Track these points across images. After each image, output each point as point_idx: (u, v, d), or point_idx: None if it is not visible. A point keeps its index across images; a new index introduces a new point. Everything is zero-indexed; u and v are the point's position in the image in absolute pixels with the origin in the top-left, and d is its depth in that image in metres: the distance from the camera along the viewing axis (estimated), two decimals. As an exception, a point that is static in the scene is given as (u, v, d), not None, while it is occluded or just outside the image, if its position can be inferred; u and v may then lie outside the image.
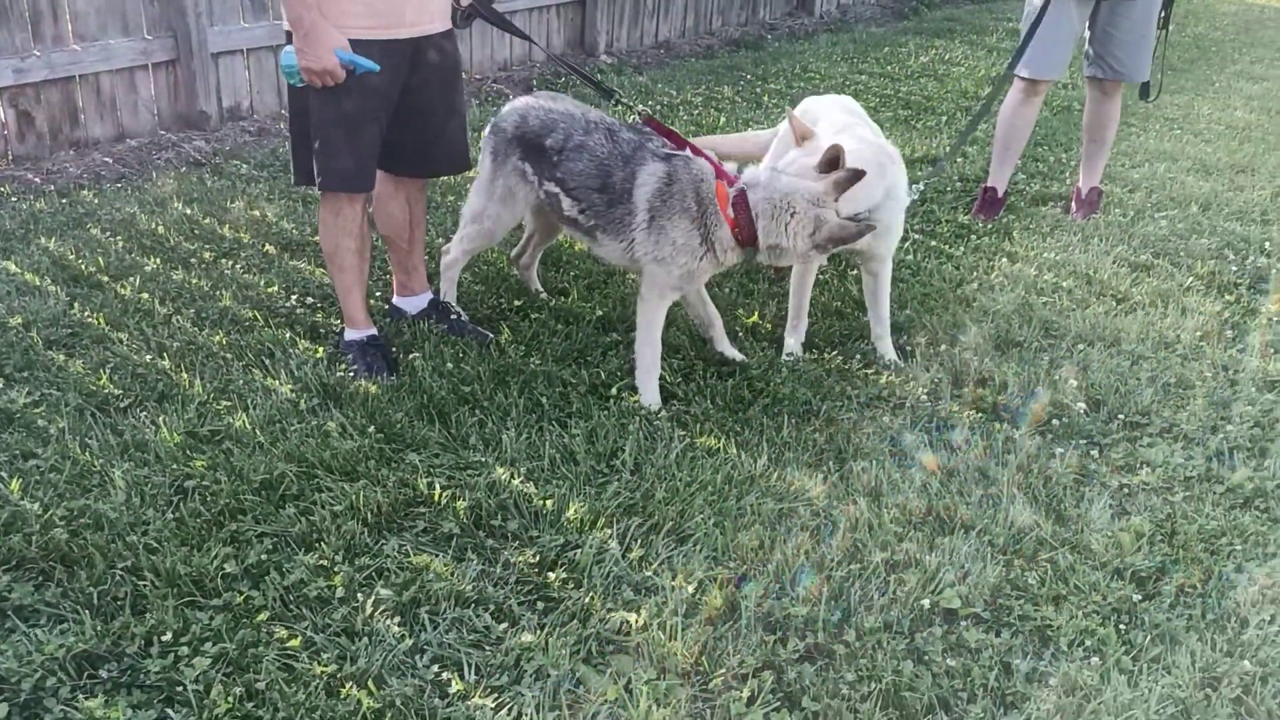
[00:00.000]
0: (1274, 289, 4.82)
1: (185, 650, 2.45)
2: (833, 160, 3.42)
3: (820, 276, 4.60)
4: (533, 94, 3.98)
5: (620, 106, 3.83)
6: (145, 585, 2.62)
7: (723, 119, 7.17)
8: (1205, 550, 3.01)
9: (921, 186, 4.01)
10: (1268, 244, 5.38)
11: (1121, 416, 3.69)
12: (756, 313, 4.33)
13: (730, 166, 3.60)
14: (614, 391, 3.63)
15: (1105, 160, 5.86)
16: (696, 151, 3.61)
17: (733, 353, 3.95)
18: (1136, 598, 2.82)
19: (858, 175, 3.40)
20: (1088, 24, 5.33)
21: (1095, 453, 3.49)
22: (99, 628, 2.49)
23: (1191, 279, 4.91)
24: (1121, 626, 2.71)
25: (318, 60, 3.23)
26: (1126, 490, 3.31)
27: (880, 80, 8.78)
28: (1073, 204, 5.84)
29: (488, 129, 3.91)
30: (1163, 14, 5.31)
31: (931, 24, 11.85)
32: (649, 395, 3.62)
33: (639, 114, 3.73)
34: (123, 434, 3.23)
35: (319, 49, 3.22)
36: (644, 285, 3.63)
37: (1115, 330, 4.33)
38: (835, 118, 4.09)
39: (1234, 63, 10.44)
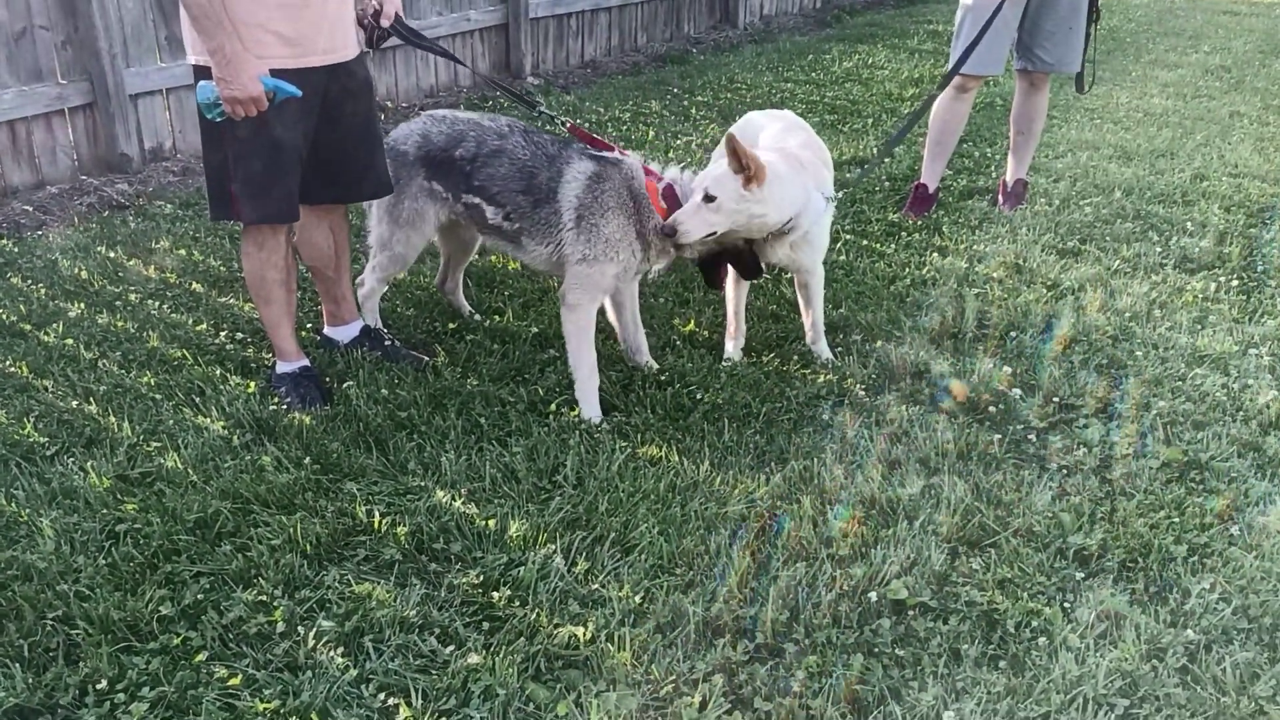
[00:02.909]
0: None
1: (122, 697, 2.39)
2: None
3: (755, 282, 4.61)
4: (427, 113, 3.94)
5: (542, 118, 3.81)
6: (78, 634, 2.56)
7: (651, 133, 7.20)
8: (1144, 525, 3.04)
9: (838, 195, 4.02)
10: (1189, 224, 5.49)
11: (1057, 400, 3.73)
12: (693, 320, 4.34)
13: (654, 167, 3.62)
14: (553, 407, 3.61)
15: (1033, 152, 5.95)
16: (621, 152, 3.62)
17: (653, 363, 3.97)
18: (1079, 576, 2.84)
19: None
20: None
21: (1033, 437, 3.52)
22: (31, 680, 2.42)
23: (1118, 262, 4.99)
24: (1066, 605, 2.74)
25: (242, 88, 3.17)
26: (1065, 471, 3.34)
27: (806, 87, 8.86)
28: (999, 196, 5.92)
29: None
30: (1094, 10, 5.39)
31: (854, 30, 11.98)
32: (590, 408, 3.60)
33: (564, 124, 3.71)
34: (50, 482, 3.15)
35: (242, 76, 3.16)
36: (570, 292, 3.61)
37: (1047, 316, 4.38)
38: (773, 129, 4.11)
39: (1149, 52, 10.66)
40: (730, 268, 3.82)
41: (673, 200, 3.51)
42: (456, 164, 3.70)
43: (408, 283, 4.60)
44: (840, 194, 4.05)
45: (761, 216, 3.53)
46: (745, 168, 3.41)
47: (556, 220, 3.58)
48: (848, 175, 6.28)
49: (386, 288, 4.17)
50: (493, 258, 4.76)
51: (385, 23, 3.61)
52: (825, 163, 4.04)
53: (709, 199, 3.47)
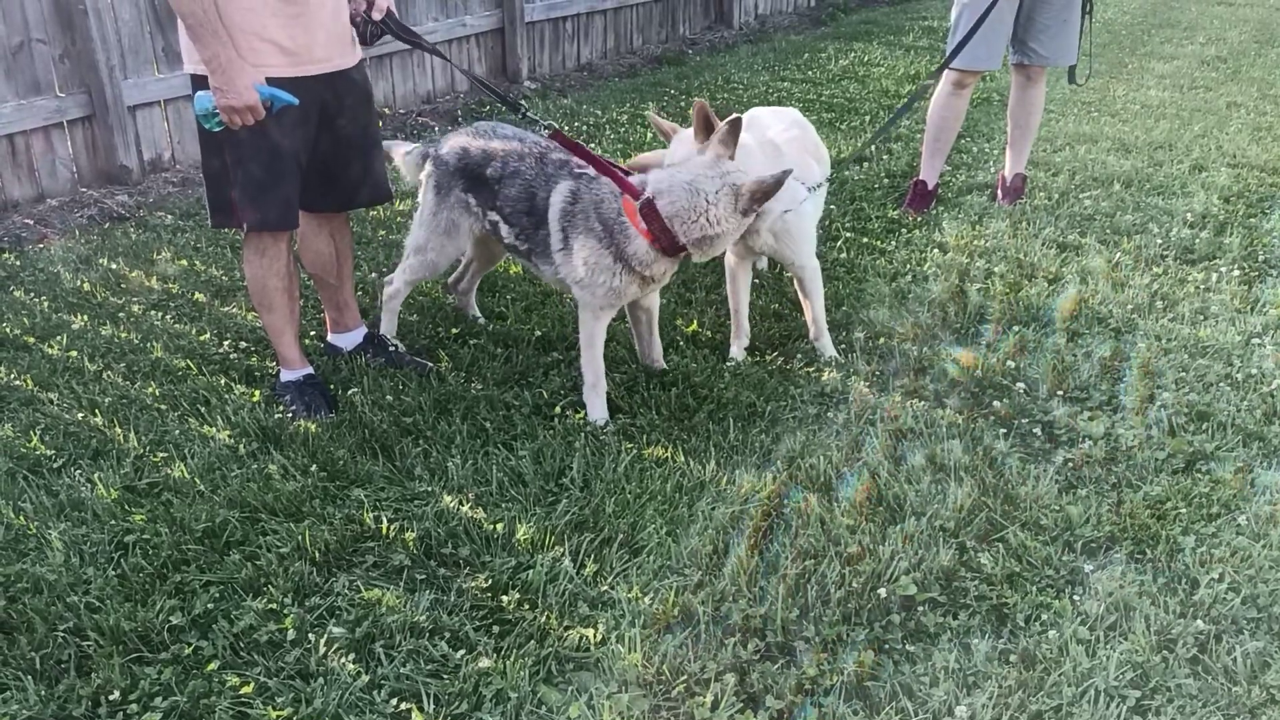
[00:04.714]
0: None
1: (135, 708, 2.39)
2: (704, 114, 3.44)
3: (756, 280, 4.62)
4: (473, 125, 3.95)
5: (526, 120, 3.79)
6: (89, 645, 2.56)
7: (649, 135, 7.20)
8: (1152, 516, 3.04)
9: (818, 186, 3.98)
10: (1189, 215, 5.50)
11: (1061, 393, 3.74)
12: (695, 321, 4.34)
13: (637, 179, 3.52)
14: (558, 410, 3.61)
15: (1030, 146, 5.95)
16: (602, 168, 3.54)
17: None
18: (1088, 569, 2.85)
19: (735, 122, 3.35)
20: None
21: (1038, 430, 3.52)
22: (43, 693, 2.43)
23: (1119, 255, 4.99)
24: (1076, 598, 2.74)
25: (238, 97, 3.17)
26: (1071, 465, 3.34)
27: (802, 86, 8.87)
28: (998, 191, 5.92)
29: (428, 163, 3.88)
30: (1088, 2, 5.40)
31: (849, 28, 11.99)
32: (596, 411, 3.61)
33: (545, 128, 3.68)
34: (57, 494, 3.16)
35: (238, 85, 3.15)
36: (580, 306, 3.63)
37: (1049, 310, 4.39)
38: (775, 126, 4.11)
39: (1144, 44, 10.67)
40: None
41: (654, 219, 3.34)
42: (487, 182, 3.71)
43: (412, 290, 4.59)
44: (824, 184, 4.01)
45: None
46: (711, 124, 3.45)
47: (549, 242, 3.57)
48: (846, 172, 6.30)
49: (410, 290, 4.17)
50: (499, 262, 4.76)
51: (377, 15, 3.57)
52: (818, 157, 4.05)
53: None
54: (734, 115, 3.39)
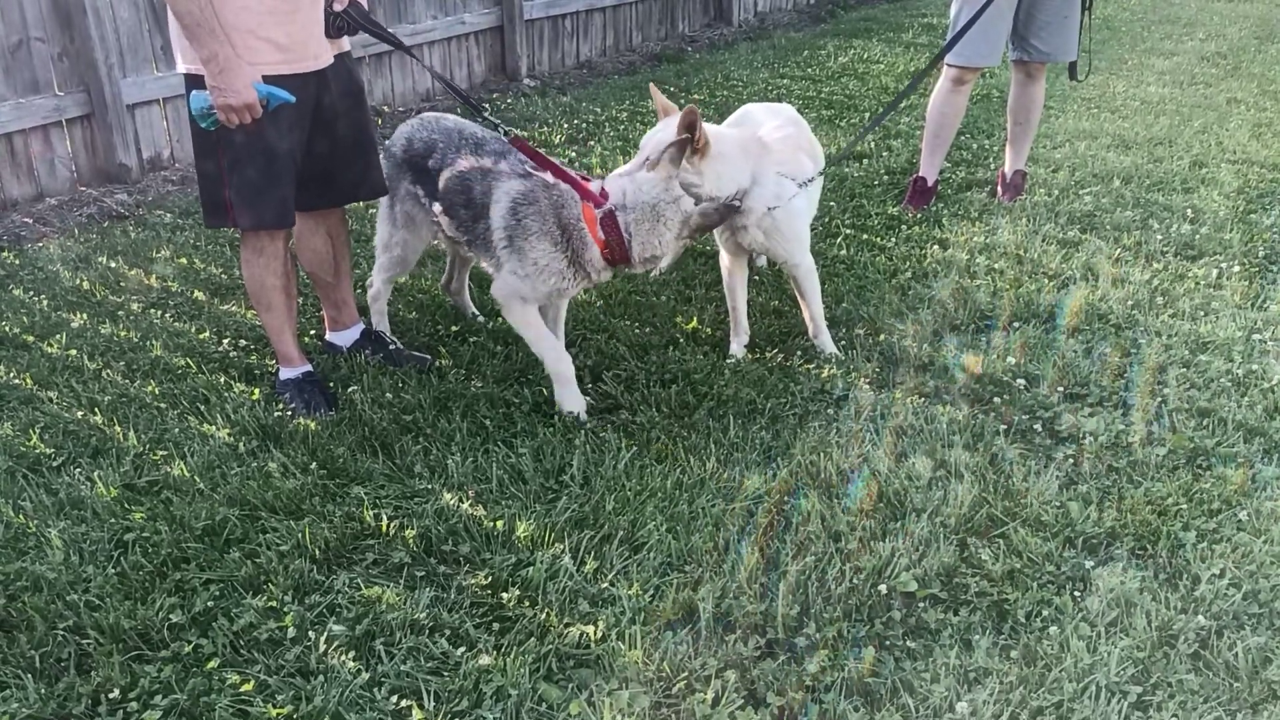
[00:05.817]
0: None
1: (135, 705, 2.39)
2: (690, 124, 3.41)
3: (755, 277, 4.62)
4: (419, 116, 3.94)
5: (490, 123, 3.77)
6: (89, 643, 2.56)
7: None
8: (1152, 512, 3.04)
9: (806, 183, 3.93)
10: (1189, 211, 5.49)
11: (1061, 389, 3.73)
12: (695, 318, 4.33)
13: (595, 185, 3.51)
14: (558, 407, 3.61)
15: (1030, 142, 5.94)
16: (561, 174, 3.51)
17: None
18: (1089, 564, 2.84)
19: (682, 143, 3.38)
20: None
21: (1038, 426, 3.52)
22: (43, 691, 2.42)
23: (1119, 251, 4.99)
24: (1077, 594, 2.74)
25: (236, 95, 3.15)
26: (1072, 461, 3.34)
27: (802, 83, 8.86)
28: (999, 188, 5.91)
29: (381, 155, 3.87)
30: None
31: (849, 25, 11.98)
32: (570, 402, 3.58)
33: (505, 134, 3.64)
34: (57, 493, 3.15)
35: (236, 83, 3.14)
36: (504, 296, 3.55)
37: (1049, 306, 4.38)
38: (769, 122, 4.10)
39: (1144, 41, 10.66)
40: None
41: (613, 230, 3.37)
42: (430, 173, 3.69)
43: (409, 286, 4.60)
44: (816, 181, 3.98)
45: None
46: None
47: (490, 236, 3.52)
48: (845, 169, 6.30)
49: (390, 288, 4.16)
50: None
51: (338, 6, 3.50)
52: (812, 154, 4.03)
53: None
54: (683, 136, 3.39)
